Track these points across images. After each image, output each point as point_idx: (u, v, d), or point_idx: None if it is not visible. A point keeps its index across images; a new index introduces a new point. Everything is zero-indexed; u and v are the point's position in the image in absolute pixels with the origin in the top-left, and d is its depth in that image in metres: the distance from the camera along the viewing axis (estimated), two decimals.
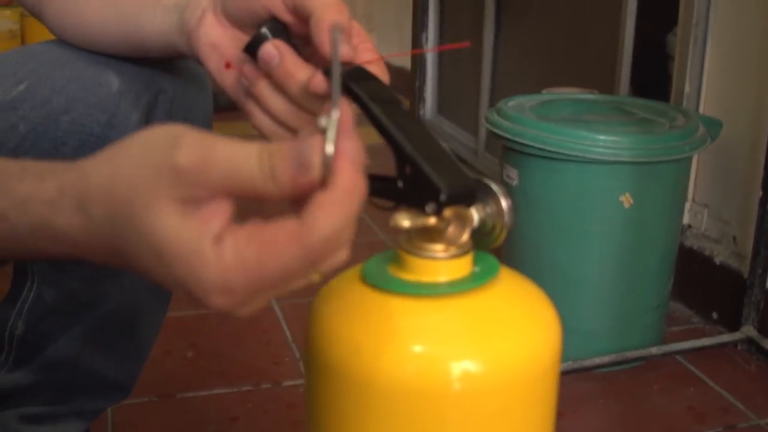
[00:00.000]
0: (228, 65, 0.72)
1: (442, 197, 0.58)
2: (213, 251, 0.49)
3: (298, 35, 0.71)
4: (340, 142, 0.49)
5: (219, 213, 0.50)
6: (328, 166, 0.48)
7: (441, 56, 3.11)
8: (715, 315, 1.77)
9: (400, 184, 0.60)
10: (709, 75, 1.78)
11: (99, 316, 0.98)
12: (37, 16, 0.91)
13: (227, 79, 0.73)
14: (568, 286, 1.57)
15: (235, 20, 0.73)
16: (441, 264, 0.61)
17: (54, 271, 0.96)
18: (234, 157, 0.49)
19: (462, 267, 0.61)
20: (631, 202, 1.51)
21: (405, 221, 0.60)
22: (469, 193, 0.61)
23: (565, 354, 1.52)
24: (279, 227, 0.49)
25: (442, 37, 3.06)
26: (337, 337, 0.60)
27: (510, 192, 1.58)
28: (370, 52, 0.69)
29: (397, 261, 0.62)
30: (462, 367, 0.57)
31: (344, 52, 0.66)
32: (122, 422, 1.42)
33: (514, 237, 1.64)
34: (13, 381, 1.01)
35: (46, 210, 0.53)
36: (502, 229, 0.63)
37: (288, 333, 1.72)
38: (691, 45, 1.78)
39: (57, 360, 0.99)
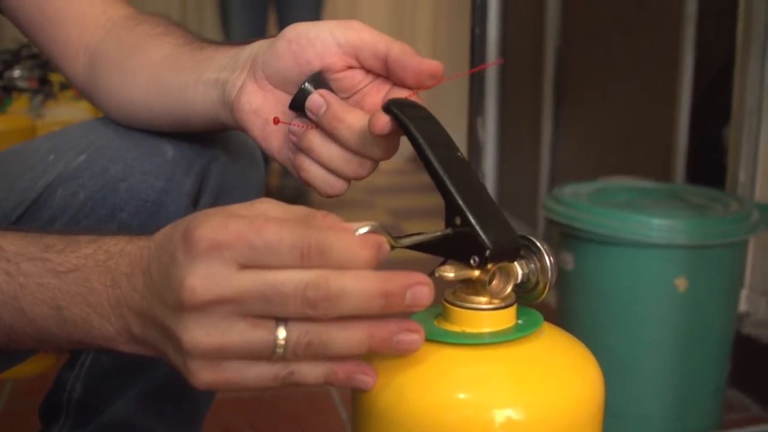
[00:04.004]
0: (276, 120, 0.74)
1: (488, 253, 0.60)
2: (235, 210, 0.56)
3: (343, 88, 0.74)
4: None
5: None
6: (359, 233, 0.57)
7: (500, 150, 3.15)
8: None
9: (448, 230, 0.63)
10: (763, 163, 1.79)
11: (154, 378, 1.00)
12: (88, 97, 0.95)
13: (273, 144, 0.76)
14: (623, 371, 1.56)
15: (279, 79, 0.75)
16: (485, 315, 0.63)
17: None
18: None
19: (505, 318, 0.63)
20: (686, 285, 1.51)
21: (450, 273, 0.62)
22: (514, 250, 0.63)
23: None
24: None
25: (503, 125, 3.11)
26: (383, 384, 0.62)
27: (565, 277, 1.60)
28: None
29: (443, 313, 0.65)
30: (504, 414, 0.58)
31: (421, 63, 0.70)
32: None
33: (570, 321, 1.65)
34: None
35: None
36: (545, 286, 0.65)
37: (344, 416, 1.73)
38: (745, 133, 1.79)
39: (113, 422, 1.00)
